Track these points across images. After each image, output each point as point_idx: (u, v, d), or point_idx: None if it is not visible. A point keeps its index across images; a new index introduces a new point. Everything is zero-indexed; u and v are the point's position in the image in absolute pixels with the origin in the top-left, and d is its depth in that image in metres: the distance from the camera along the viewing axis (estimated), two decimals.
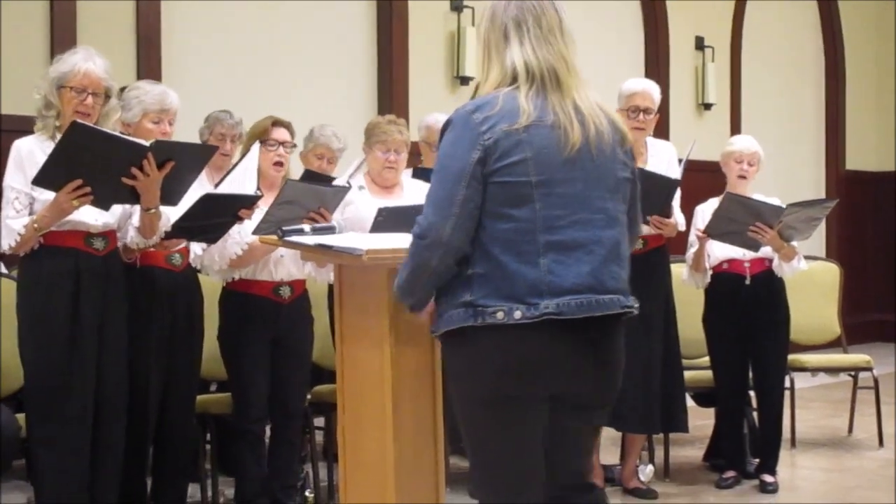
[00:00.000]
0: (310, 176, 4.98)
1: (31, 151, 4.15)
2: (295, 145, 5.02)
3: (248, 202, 4.50)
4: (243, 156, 4.80)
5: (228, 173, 4.78)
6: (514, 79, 2.88)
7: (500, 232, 2.81)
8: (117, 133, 4.17)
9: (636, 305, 2.94)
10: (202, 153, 4.41)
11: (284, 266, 4.80)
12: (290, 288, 4.84)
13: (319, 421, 5.71)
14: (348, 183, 4.92)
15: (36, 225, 4.10)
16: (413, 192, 5.24)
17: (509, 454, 2.92)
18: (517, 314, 2.77)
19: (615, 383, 2.97)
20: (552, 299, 2.77)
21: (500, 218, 2.81)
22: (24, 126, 5.62)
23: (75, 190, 3.99)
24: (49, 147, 4.06)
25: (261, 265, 4.78)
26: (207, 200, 4.36)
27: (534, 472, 2.94)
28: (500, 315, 2.78)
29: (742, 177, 5.77)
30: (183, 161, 4.13)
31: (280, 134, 4.90)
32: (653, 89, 5.63)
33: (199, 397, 4.94)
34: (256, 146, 4.78)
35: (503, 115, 2.82)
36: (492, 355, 2.82)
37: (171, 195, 4.22)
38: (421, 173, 5.81)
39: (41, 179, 4.00)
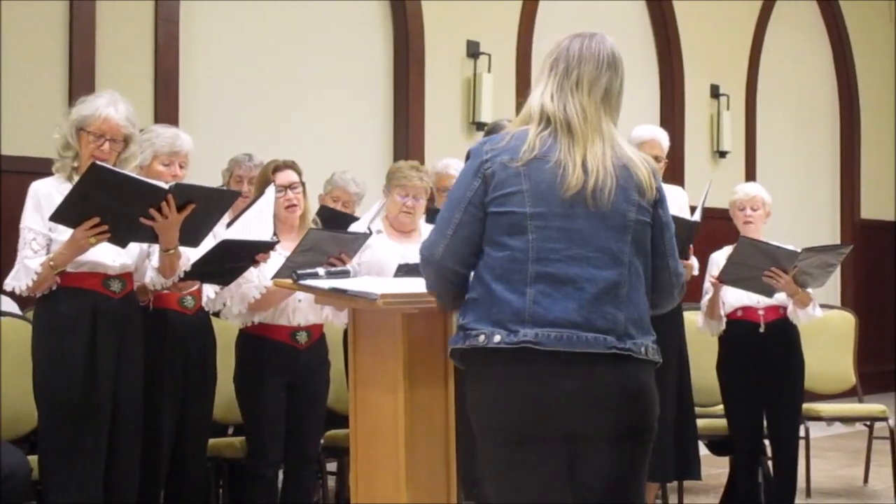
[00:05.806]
0: (327, 213, 4.96)
1: (49, 193, 4.16)
2: (303, 183, 4.94)
3: (265, 248, 4.50)
4: (256, 198, 4.81)
5: (241, 214, 4.80)
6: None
7: (495, 260, 2.88)
8: (137, 175, 4.19)
9: (641, 351, 2.93)
10: (224, 198, 4.39)
11: (302, 311, 4.80)
12: (308, 333, 4.83)
13: (332, 466, 5.68)
14: (369, 229, 4.93)
15: (52, 262, 4.09)
16: None
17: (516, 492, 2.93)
18: (497, 338, 2.83)
19: (613, 419, 2.92)
20: (532, 328, 2.81)
21: (496, 246, 2.89)
22: (25, 167, 5.71)
23: (93, 227, 3.99)
24: (66, 188, 4.08)
25: (279, 310, 4.78)
26: (224, 247, 4.37)
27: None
28: (481, 339, 2.85)
29: (748, 222, 5.79)
30: (204, 204, 4.13)
31: (283, 178, 4.84)
32: (661, 137, 5.66)
33: (212, 441, 4.93)
34: (271, 189, 4.77)
35: (507, 148, 2.92)
36: (490, 385, 2.88)
37: (190, 237, 4.22)
38: (434, 216, 5.79)
39: (59, 216, 4.01)
